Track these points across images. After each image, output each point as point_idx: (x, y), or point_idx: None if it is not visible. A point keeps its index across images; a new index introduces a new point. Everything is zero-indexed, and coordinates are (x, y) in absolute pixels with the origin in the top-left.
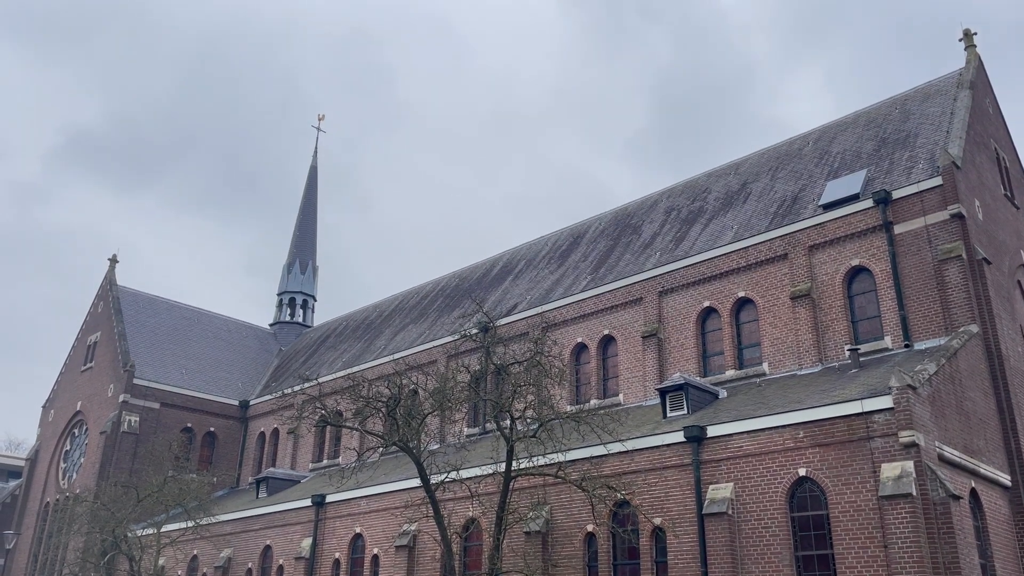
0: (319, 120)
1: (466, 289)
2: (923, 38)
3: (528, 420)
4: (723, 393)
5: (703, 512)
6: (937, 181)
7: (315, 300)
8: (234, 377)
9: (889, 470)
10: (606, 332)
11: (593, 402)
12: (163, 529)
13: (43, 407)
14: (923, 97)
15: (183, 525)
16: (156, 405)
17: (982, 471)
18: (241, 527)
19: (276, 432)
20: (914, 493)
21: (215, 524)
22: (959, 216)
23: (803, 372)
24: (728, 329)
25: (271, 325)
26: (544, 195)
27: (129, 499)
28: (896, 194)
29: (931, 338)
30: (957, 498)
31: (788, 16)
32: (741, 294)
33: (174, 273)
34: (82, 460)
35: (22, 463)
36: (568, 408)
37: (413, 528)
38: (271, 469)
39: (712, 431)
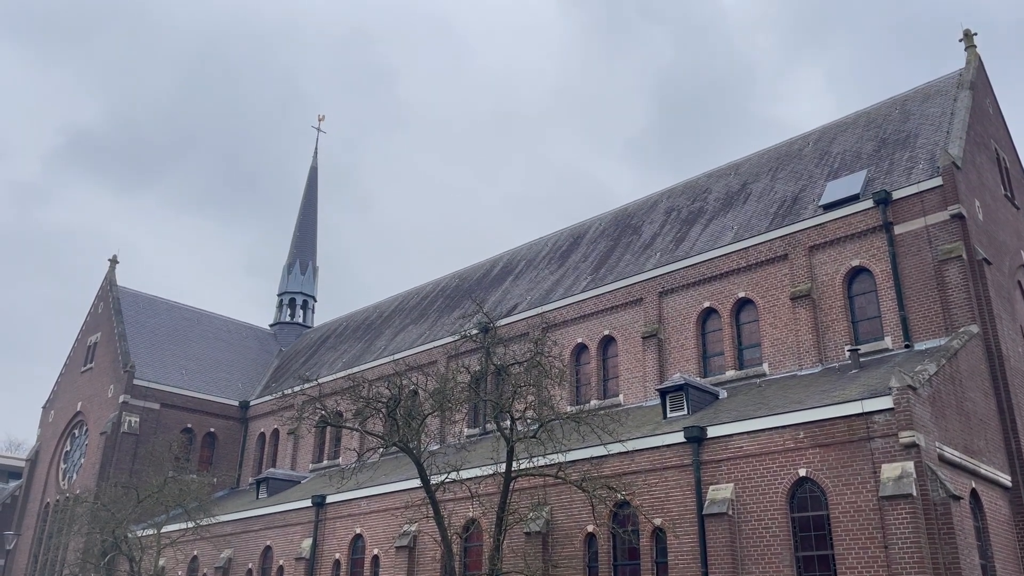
0: (319, 120)
1: (466, 289)
2: (923, 38)
3: (528, 421)
4: (723, 393)
5: (703, 512)
6: (937, 181)
7: (315, 301)
8: (234, 378)
9: (889, 470)
10: (606, 332)
11: (593, 403)
12: (163, 530)
13: (43, 408)
14: (923, 97)
15: (183, 526)
16: (156, 406)
17: (982, 471)
18: (241, 528)
19: (276, 433)
20: (914, 494)
21: (215, 525)
22: (959, 216)
23: (803, 372)
24: (728, 330)
25: (271, 326)
26: (544, 195)
27: (129, 500)
28: (896, 194)
29: (931, 338)
30: (957, 498)
31: (789, 16)
32: (741, 294)
33: (174, 273)
34: (82, 461)
35: (22, 464)
36: (568, 409)
37: (413, 529)
38: (271, 470)
39: (712, 432)
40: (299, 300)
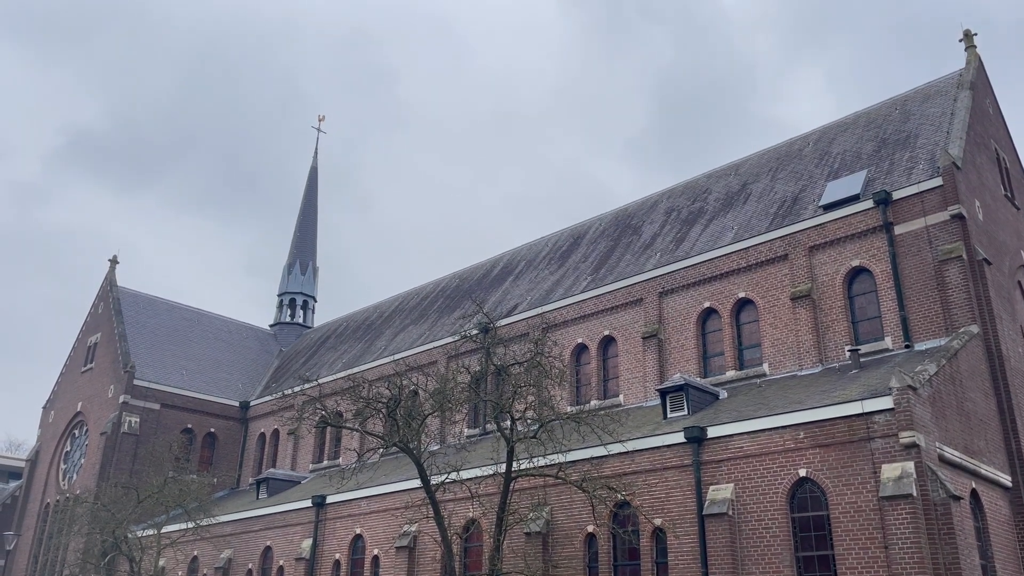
0: (319, 121)
1: (466, 290)
2: (923, 38)
3: (528, 421)
4: (723, 394)
5: (703, 513)
6: (937, 182)
7: (315, 301)
8: (234, 378)
9: (889, 471)
10: (606, 333)
11: (593, 403)
12: (163, 530)
13: (43, 408)
14: (923, 98)
15: (183, 526)
16: (156, 406)
17: (983, 472)
18: (241, 528)
19: (276, 433)
20: (914, 494)
21: (215, 525)
22: (959, 217)
23: (803, 373)
24: (728, 330)
25: (271, 326)
26: (544, 195)
27: (129, 500)
28: (896, 195)
29: (931, 339)
30: (958, 499)
31: (789, 16)
32: (741, 295)
33: (174, 273)
34: (82, 461)
35: (22, 464)
36: (568, 409)
37: (413, 529)
38: (271, 470)
39: (712, 432)
40: (299, 300)
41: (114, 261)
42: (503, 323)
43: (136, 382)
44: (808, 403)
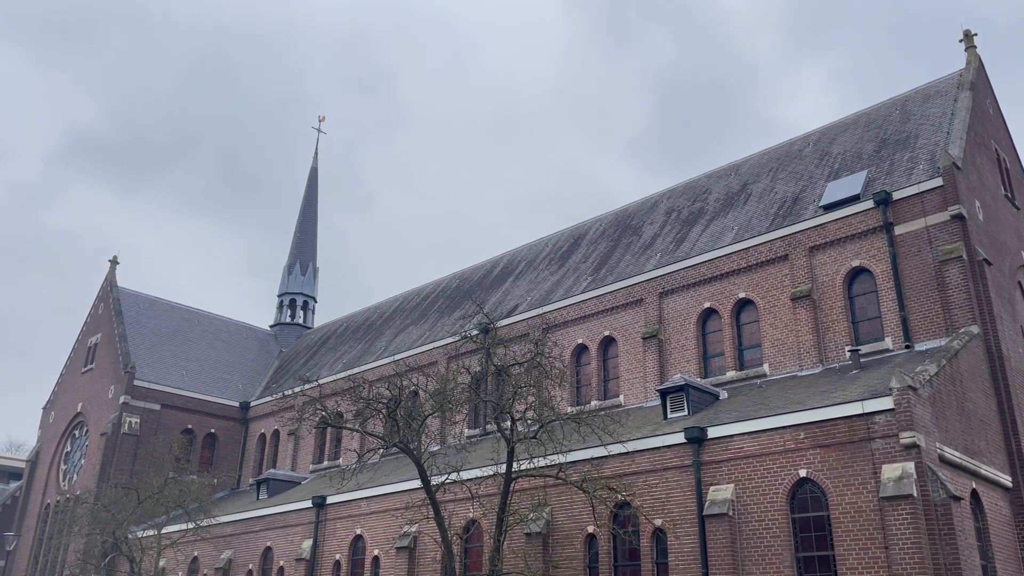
0: (319, 121)
1: (466, 290)
2: (923, 38)
3: (529, 421)
4: (724, 394)
5: (704, 513)
6: (938, 182)
7: (315, 301)
8: (234, 378)
9: (890, 471)
10: (607, 333)
11: (594, 403)
12: (164, 531)
13: (44, 409)
14: (923, 98)
15: (184, 527)
16: (157, 406)
17: (983, 472)
18: (242, 528)
19: (277, 433)
20: (915, 494)
21: (216, 525)
22: (960, 217)
23: (804, 373)
24: (729, 330)
25: (271, 326)
26: (545, 195)
27: (129, 500)
28: (897, 195)
29: (932, 339)
30: (958, 499)
31: (790, 17)
32: (742, 295)
33: (174, 274)
34: (82, 462)
35: (23, 465)
36: (569, 409)
37: (414, 529)
38: (272, 470)
39: (713, 432)
40: (299, 301)
41: (114, 262)
42: (503, 323)
43: (136, 382)
44: (808, 403)
